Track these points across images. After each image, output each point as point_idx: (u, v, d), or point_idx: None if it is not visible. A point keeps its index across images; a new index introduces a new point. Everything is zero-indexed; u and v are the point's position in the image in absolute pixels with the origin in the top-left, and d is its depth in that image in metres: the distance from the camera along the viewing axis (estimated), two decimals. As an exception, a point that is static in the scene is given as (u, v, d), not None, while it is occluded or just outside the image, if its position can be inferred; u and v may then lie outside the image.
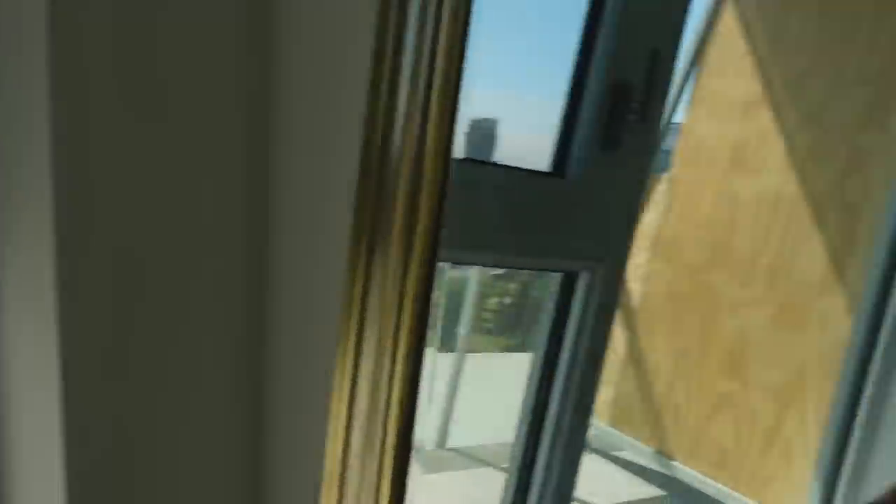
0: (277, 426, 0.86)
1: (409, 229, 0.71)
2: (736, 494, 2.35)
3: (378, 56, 0.69)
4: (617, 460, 2.93)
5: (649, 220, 2.60)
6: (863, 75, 2.19)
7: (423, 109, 0.70)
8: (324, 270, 0.79)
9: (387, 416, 0.74)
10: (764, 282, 2.36)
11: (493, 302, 4.63)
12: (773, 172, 2.37)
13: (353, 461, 0.76)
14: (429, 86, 0.68)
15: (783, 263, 2.32)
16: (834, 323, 2.20)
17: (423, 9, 0.68)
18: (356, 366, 0.75)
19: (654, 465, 2.59)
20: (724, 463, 2.41)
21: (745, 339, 2.40)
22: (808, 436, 2.22)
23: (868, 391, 2.04)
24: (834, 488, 2.08)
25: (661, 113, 1.29)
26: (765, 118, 2.39)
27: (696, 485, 2.45)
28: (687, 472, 2.49)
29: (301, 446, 0.84)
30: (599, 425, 2.68)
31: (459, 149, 0.74)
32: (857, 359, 2.07)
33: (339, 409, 0.74)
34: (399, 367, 0.73)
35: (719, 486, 2.39)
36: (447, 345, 3.16)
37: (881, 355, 2.02)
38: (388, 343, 0.73)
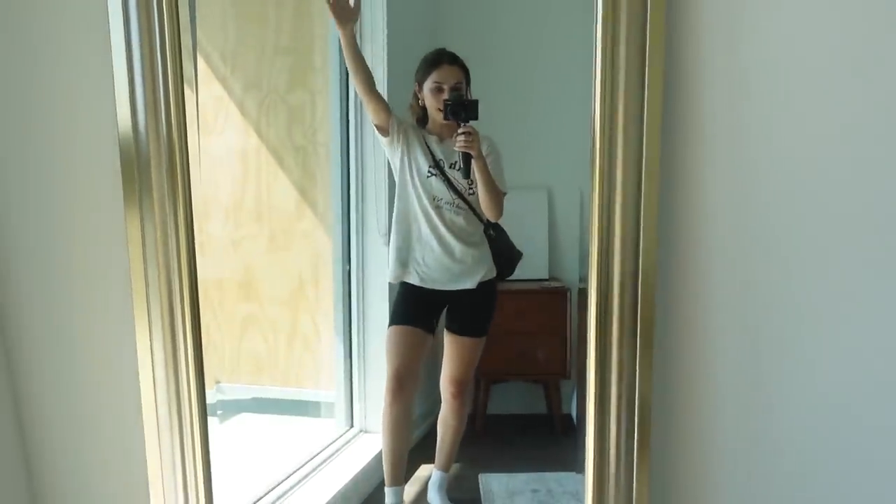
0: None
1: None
2: (276, 388, 3.01)
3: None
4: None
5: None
6: (281, 47, 2.92)
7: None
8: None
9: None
10: (253, 219, 2.93)
11: None
12: (235, 131, 2.87)
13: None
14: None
15: (264, 202, 2.94)
16: (313, 239, 3.03)
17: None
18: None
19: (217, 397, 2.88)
20: (261, 370, 2.99)
21: (251, 267, 2.94)
22: (319, 329, 3.05)
23: (355, 286, 3.01)
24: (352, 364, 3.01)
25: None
26: (216, 88, 2.82)
27: (244, 394, 2.95)
28: (235, 388, 2.94)
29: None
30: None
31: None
32: (340, 262, 3.00)
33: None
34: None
35: (264, 387, 2.98)
36: None
37: (356, 256, 3.02)
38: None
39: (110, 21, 1.13)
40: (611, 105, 1.12)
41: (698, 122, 1.22)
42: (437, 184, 2.35)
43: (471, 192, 2.36)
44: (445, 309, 2.49)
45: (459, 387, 2.50)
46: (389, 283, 2.56)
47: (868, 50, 1.19)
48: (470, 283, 2.43)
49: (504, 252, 2.50)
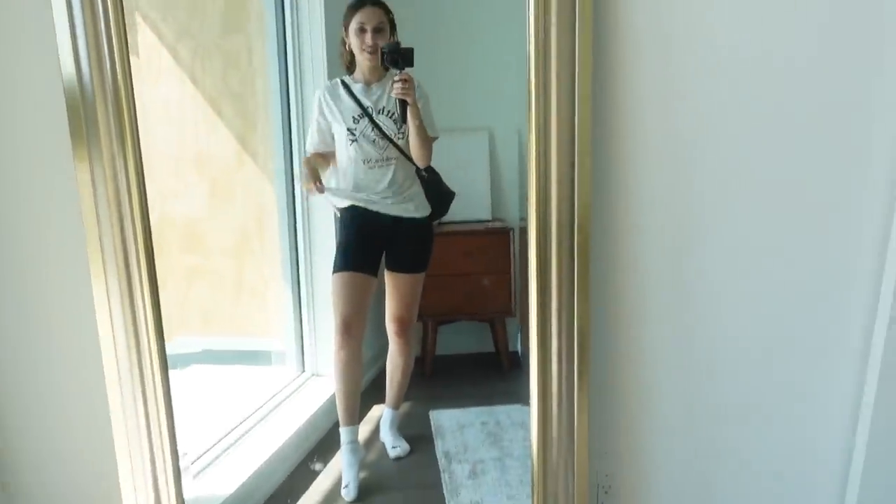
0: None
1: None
2: (226, 339, 3.02)
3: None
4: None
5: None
6: (213, -10, 2.84)
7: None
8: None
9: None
10: (194, 170, 2.89)
11: None
12: (170, 81, 2.81)
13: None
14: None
15: (204, 151, 2.90)
16: (254, 188, 3.01)
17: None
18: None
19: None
20: (208, 320, 2.99)
21: (193, 218, 2.91)
22: (266, 278, 3.05)
23: (301, 233, 3.01)
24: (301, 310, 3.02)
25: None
26: (148, 35, 2.74)
27: (193, 347, 2.95)
28: (184, 340, 2.94)
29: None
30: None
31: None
32: (285, 211, 2.99)
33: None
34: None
35: (214, 338, 2.99)
36: None
37: (301, 203, 3.01)
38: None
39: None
40: (544, 47, 1.15)
41: (630, 62, 1.26)
42: (364, 145, 2.41)
43: (400, 136, 2.42)
44: (385, 251, 2.56)
45: (402, 324, 2.59)
46: (336, 226, 2.60)
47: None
48: (415, 214, 2.51)
49: (437, 192, 2.57)
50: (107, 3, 1.11)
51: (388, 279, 2.58)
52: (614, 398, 1.45)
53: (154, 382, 1.25)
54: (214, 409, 2.54)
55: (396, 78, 2.28)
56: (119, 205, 1.14)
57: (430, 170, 2.52)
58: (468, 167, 3.08)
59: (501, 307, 2.98)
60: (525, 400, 2.95)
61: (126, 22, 1.16)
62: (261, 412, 2.48)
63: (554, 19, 1.17)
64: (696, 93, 1.28)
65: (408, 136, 2.40)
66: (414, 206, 2.51)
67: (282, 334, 2.86)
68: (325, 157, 2.52)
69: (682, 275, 1.36)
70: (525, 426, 2.54)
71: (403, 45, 2.31)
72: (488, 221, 3.07)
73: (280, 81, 2.68)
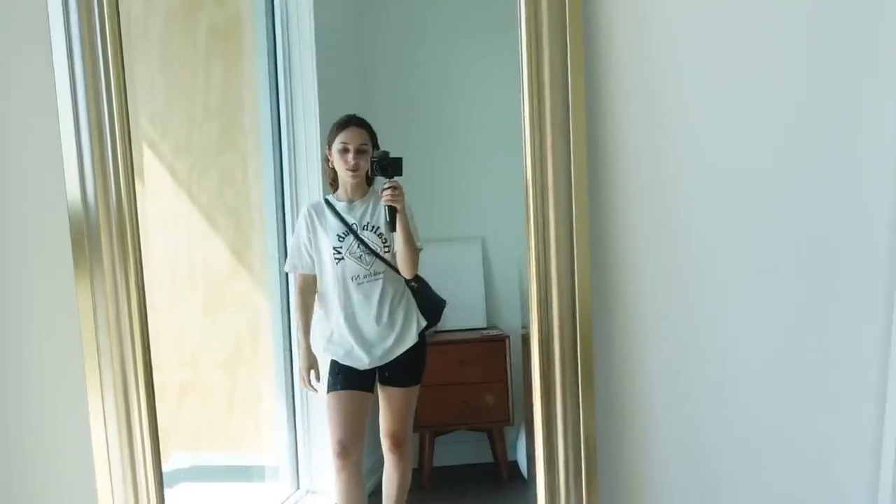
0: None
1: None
2: (217, 454, 2.94)
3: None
4: None
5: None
6: (210, 110, 2.93)
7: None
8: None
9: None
10: (187, 282, 2.89)
11: None
12: (167, 196, 2.85)
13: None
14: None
15: (197, 264, 2.91)
16: (248, 300, 3.01)
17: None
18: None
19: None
20: (200, 436, 2.92)
21: (186, 332, 2.89)
22: (260, 392, 3.01)
23: (295, 346, 2.98)
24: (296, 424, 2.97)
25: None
26: (146, 153, 2.80)
27: (183, 463, 2.86)
28: (173, 457, 2.86)
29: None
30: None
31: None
32: (280, 323, 2.97)
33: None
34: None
35: (204, 453, 2.91)
36: None
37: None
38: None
39: (57, 90, 1.13)
40: (540, 154, 1.17)
41: (625, 169, 1.30)
42: (350, 263, 2.43)
43: (386, 249, 2.44)
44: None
45: (397, 440, 2.54)
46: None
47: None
48: (406, 346, 2.50)
49: (429, 301, 2.59)
50: (114, 126, 1.14)
51: (381, 393, 2.55)
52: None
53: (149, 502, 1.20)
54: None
55: (386, 185, 2.36)
56: (119, 322, 1.14)
57: (418, 279, 2.53)
58: (462, 275, 3.10)
59: (499, 416, 2.93)
60: (527, 513, 2.87)
61: (132, 145, 1.20)
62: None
63: (549, 120, 1.19)
64: (693, 202, 1.31)
65: (393, 248, 2.44)
66: (407, 335, 2.51)
67: (275, 449, 2.79)
68: (310, 290, 2.51)
69: (687, 363, 1.35)
70: (528, 542, 2.45)
71: (392, 154, 2.39)
72: (483, 329, 3.07)
73: (275, 195, 2.73)
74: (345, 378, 2.47)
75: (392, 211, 2.38)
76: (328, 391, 2.50)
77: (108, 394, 1.18)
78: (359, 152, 2.43)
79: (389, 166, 2.38)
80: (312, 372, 2.48)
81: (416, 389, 2.56)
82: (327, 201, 2.50)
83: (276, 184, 2.71)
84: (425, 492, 2.84)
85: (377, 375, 2.51)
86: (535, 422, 1.22)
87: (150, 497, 1.19)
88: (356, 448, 2.48)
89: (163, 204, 2.76)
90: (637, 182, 1.29)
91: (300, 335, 2.51)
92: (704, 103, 1.33)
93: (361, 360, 2.45)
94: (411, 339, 2.50)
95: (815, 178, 1.30)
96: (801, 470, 1.38)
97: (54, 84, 1.17)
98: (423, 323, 2.55)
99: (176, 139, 2.79)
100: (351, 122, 2.45)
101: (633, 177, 1.29)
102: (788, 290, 1.35)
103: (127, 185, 1.16)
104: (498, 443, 2.95)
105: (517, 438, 2.97)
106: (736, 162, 1.32)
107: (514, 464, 2.96)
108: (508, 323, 3.15)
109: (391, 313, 2.47)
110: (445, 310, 3.15)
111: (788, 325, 1.36)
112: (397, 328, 2.48)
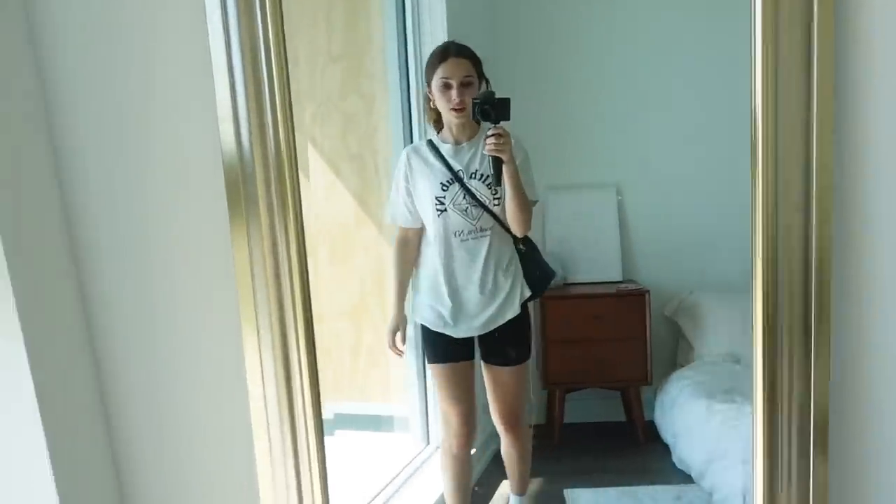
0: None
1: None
2: (352, 403, 2.92)
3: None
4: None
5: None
6: (333, 53, 2.83)
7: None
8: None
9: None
10: (311, 231, 2.84)
11: None
12: (291, 142, 2.79)
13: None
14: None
15: (322, 212, 2.85)
16: (373, 250, 2.94)
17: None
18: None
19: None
20: (326, 386, 2.90)
21: (313, 282, 2.86)
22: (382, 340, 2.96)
23: None
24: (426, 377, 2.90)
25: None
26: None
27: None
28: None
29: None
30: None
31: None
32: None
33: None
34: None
35: (344, 402, 2.90)
36: None
37: None
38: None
39: (209, 29, 1.03)
40: (774, 84, 0.96)
41: (881, 106, 1.06)
42: (454, 215, 2.10)
43: (496, 202, 2.09)
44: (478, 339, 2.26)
45: (510, 421, 2.28)
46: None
47: None
48: (509, 316, 2.20)
49: (538, 268, 2.25)
50: (270, 63, 1.04)
51: (488, 373, 2.26)
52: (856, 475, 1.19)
53: (309, 455, 1.14)
54: (348, 480, 2.42)
55: (490, 132, 1.95)
56: (277, 268, 1.05)
57: (527, 241, 2.22)
58: (595, 225, 2.93)
59: (636, 375, 2.77)
60: (667, 479, 2.73)
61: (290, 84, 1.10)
62: (390, 488, 2.32)
63: (785, 43, 0.93)
64: None
65: (503, 201, 2.08)
66: (509, 305, 2.18)
67: (405, 401, 2.73)
68: (411, 246, 2.22)
69: None
70: (672, 510, 2.32)
71: (499, 94, 1.98)
72: (619, 283, 2.90)
73: (403, 141, 2.61)
74: (444, 349, 2.21)
75: (497, 161, 1.99)
76: (429, 362, 2.28)
77: (266, 346, 1.11)
78: (463, 86, 2.04)
79: (494, 109, 1.95)
80: (399, 335, 2.23)
81: (526, 366, 2.29)
82: (431, 143, 2.14)
83: (403, 128, 2.59)
84: (556, 448, 2.74)
85: (477, 347, 2.24)
86: (755, 392, 1.05)
87: (311, 449, 1.12)
88: (471, 425, 2.25)
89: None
90: (889, 111, 1.06)
91: (394, 293, 2.25)
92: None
93: (457, 328, 2.17)
94: (514, 310, 2.18)
95: None
96: None
97: (204, 18, 1.07)
98: (528, 293, 2.21)
99: (298, 83, 2.70)
100: (450, 51, 2.06)
101: (885, 103, 1.06)
102: None
103: (285, 124, 1.06)
104: (634, 402, 2.80)
105: (654, 398, 2.82)
106: None
107: (650, 424, 2.81)
108: (647, 276, 2.98)
109: (496, 277, 2.14)
110: (578, 261, 2.99)
111: None
112: (501, 295, 2.16)
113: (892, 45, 1.01)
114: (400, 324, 2.23)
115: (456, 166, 2.10)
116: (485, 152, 1.99)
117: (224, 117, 1.06)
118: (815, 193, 0.95)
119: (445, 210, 2.09)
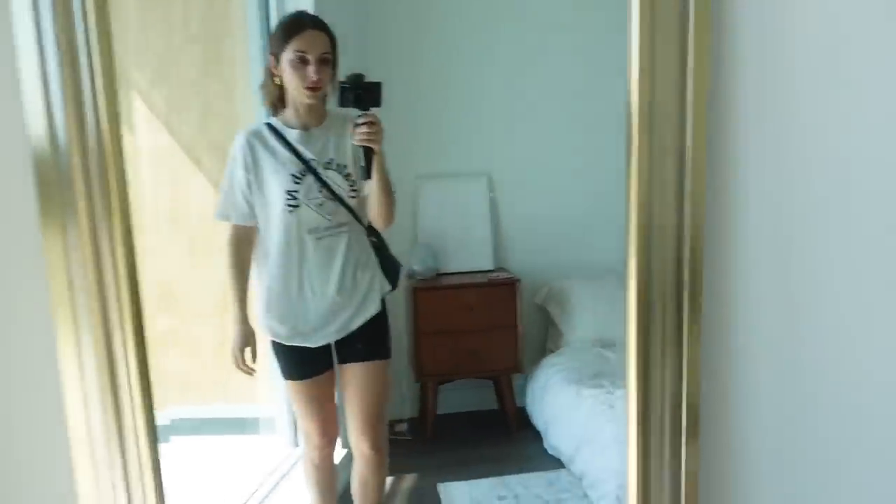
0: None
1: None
2: (207, 407, 2.77)
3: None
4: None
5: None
6: (190, 32, 2.67)
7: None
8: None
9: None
10: (169, 224, 2.67)
11: None
12: (143, 129, 2.61)
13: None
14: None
15: (179, 205, 2.69)
16: (236, 240, 2.80)
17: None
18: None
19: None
20: (187, 388, 2.74)
21: (170, 278, 2.68)
22: None
23: None
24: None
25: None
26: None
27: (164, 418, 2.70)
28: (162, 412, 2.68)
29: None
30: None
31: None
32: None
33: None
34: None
35: (191, 406, 2.74)
36: None
37: None
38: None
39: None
40: (650, 71, 0.93)
41: (748, 93, 1.06)
42: (308, 211, 1.82)
43: (353, 194, 1.84)
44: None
45: (376, 432, 1.96)
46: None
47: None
48: (371, 313, 1.92)
49: (388, 259, 2.00)
50: (89, 44, 0.90)
51: (345, 375, 1.96)
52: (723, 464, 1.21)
53: (140, 465, 1.02)
54: (202, 489, 2.27)
55: (361, 120, 1.72)
56: (99, 272, 0.93)
57: (377, 233, 1.96)
58: (466, 214, 2.91)
59: (508, 364, 2.78)
60: (538, 466, 2.76)
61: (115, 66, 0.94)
62: (255, 498, 2.19)
63: (661, 30, 0.90)
64: (815, 140, 1.09)
65: (362, 193, 1.85)
66: (371, 302, 1.92)
67: (271, 400, 2.61)
68: (249, 247, 1.90)
69: (806, 319, 1.14)
70: (543, 498, 2.33)
71: (368, 78, 1.73)
72: (491, 272, 2.89)
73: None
74: (302, 363, 1.93)
75: (369, 152, 1.76)
76: (285, 378, 1.97)
77: (89, 359, 0.98)
78: (321, 63, 1.76)
79: (366, 95, 1.72)
80: (248, 351, 1.89)
81: (386, 367, 1.99)
82: (272, 128, 1.84)
83: (267, 116, 2.46)
84: (429, 442, 2.71)
85: (335, 352, 1.95)
86: (629, 376, 1.02)
87: (142, 454, 1.00)
88: (333, 434, 2.03)
89: (139, 138, 2.52)
90: (759, 108, 1.07)
91: (233, 302, 1.90)
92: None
93: (315, 337, 1.89)
94: (375, 307, 1.92)
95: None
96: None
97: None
98: (388, 287, 1.98)
99: (151, 66, 2.52)
100: (306, 22, 1.78)
101: (755, 100, 1.06)
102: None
103: (109, 114, 0.93)
104: (506, 391, 2.81)
105: (525, 385, 2.84)
106: (868, 91, 1.10)
107: (522, 410, 2.83)
108: (518, 265, 2.99)
109: (355, 275, 1.89)
110: (451, 251, 2.96)
111: None
112: (361, 294, 1.91)
113: (761, 41, 1.02)
114: (248, 338, 1.89)
115: (307, 155, 1.83)
116: (354, 142, 1.76)
117: (33, 109, 0.89)
118: (689, 185, 0.95)
119: (299, 206, 1.81)
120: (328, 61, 1.78)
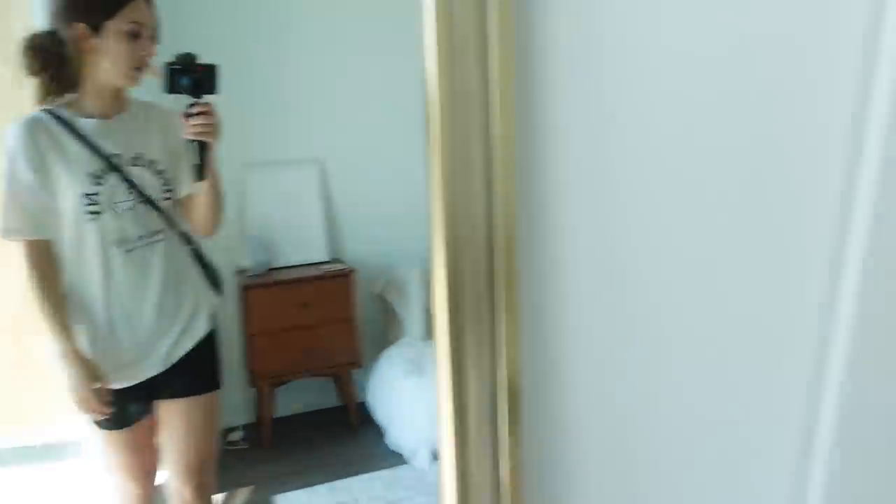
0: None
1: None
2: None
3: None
4: None
5: None
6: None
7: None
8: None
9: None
10: None
11: None
12: None
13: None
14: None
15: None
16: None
17: None
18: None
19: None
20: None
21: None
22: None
23: None
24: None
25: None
26: None
27: None
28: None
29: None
30: None
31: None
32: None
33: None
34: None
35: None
36: None
37: None
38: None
39: None
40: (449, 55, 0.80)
41: (560, 74, 0.99)
42: (114, 218, 1.48)
43: (167, 195, 1.53)
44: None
45: (203, 476, 1.67)
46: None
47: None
48: (198, 337, 1.62)
49: (207, 264, 1.68)
50: None
51: (167, 413, 1.62)
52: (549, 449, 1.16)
53: None
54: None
55: (194, 110, 1.42)
56: None
57: (191, 239, 1.64)
58: (297, 204, 2.72)
59: (347, 359, 2.64)
60: (379, 465, 2.64)
61: None
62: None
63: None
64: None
65: (177, 194, 1.55)
66: (198, 322, 1.62)
67: (72, 421, 2.33)
68: (54, 263, 1.48)
69: (622, 304, 1.11)
70: (386, 499, 2.22)
71: (201, 60, 1.43)
72: (325, 263, 2.72)
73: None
74: (115, 409, 1.52)
75: (203, 148, 1.45)
76: (98, 426, 1.56)
77: None
78: (152, 40, 1.47)
79: (201, 80, 1.43)
80: (102, 390, 1.50)
81: (217, 398, 1.67)
82: (56, 116, 1.46)
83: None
84: (265, 449, 2.53)
85: (155, 385, 1.59)
86: (441, 366, 0.91)
87: None
88: (152, 485, 1.68)
89: None
90: (572, 87, 0.99)
91: (56, 336, 1.47)
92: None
93: (130, 374, 1.54)
94: (205, 327, 1.63)
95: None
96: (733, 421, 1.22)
97: None
98: (216, 299, 1.68)
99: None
100: None
101: (569, 80, 0.98)
102: (736, 232, 1.14)
103: None
104: (346, 386, 2.67)
105: (366, 380, 2.71)
106: (681, 81, 1.06)
107: (362, 405, 2.70)
108: (354, 255, 2.84)
109: (177, 292, 1.57)
110: (282, 244, 2.75)
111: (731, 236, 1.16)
112: (185, 313, 1.59)
113: (569, 20, 0.94)
114: (92, 371, 1.49)
115: (109, 149, 1.48)
116: (185, 135, 1.44)
117: None
118: (497, 170, 0.85)
119: (101, 212, 1.47)
120: (155, 38, 1.47)
